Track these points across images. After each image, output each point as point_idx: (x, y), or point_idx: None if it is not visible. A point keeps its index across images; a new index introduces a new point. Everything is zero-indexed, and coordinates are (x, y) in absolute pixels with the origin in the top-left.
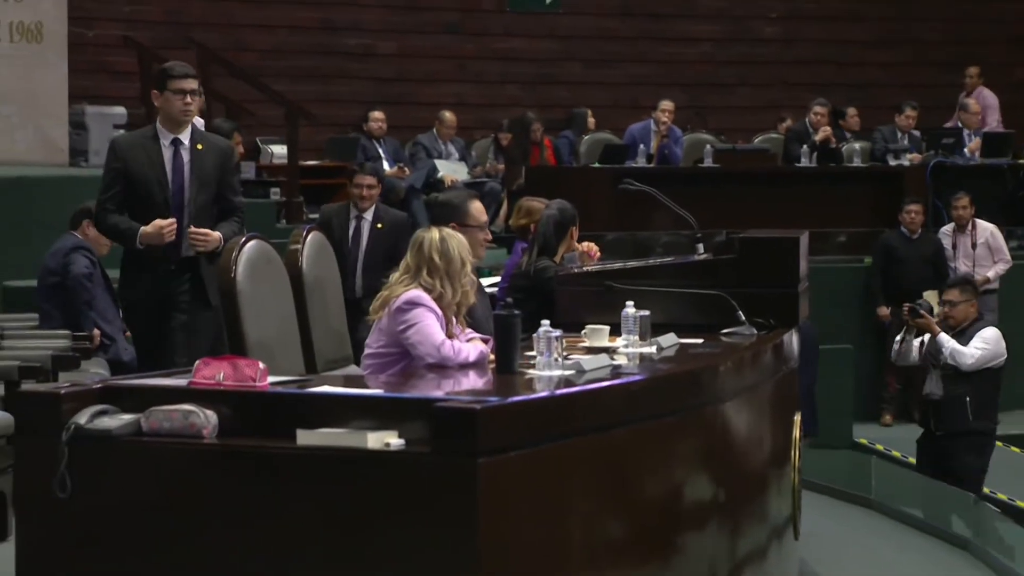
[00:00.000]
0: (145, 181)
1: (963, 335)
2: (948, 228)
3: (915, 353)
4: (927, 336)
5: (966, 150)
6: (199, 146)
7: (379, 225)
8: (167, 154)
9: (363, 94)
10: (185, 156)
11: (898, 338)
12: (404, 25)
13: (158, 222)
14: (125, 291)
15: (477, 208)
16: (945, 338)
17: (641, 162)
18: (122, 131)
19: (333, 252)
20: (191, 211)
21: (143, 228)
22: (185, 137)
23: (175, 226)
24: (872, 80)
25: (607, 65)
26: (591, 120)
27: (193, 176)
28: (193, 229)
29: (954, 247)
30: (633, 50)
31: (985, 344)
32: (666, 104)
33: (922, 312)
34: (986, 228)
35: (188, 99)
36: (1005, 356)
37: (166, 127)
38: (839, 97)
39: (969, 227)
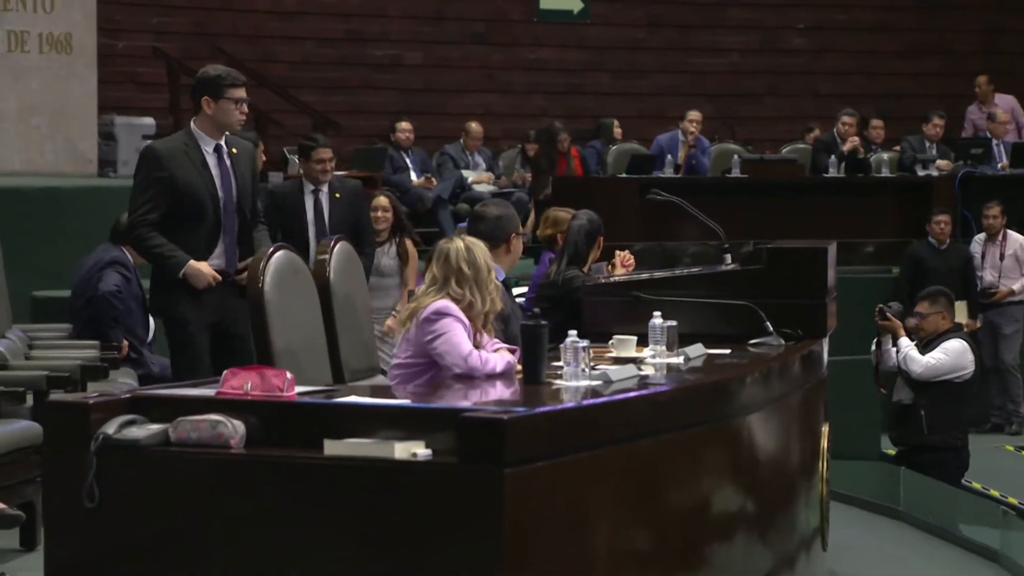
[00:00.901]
0: (195, 192)
1: (930, 346)
2: (980, 237)
3: (893, 358)
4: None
5: (999, 166)
6: (234, 150)
7: (337, 195)
8: (211, 161)
9: (390, 104)
10: (227, 162)
11: (875, 341)
12: (431, 35)
13: (212, 271)
14: (176, 309)
15: None
16: (905, 343)
17: (668, 172)
18: (150, 140)
19: (360, 263)
20: (240, 220)
21: (195, 263)
22: (222, 142)
23: (217, 283)
24: (902, 90)
25: (635, 75)
26: (617, 130)
27: (237, 183)
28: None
29: (983, 256)
30: (661, 61)
31: (943, 354)
32: (694, 115)
33: (888, 315)
34: (1016, 239)
35: (244, 107)
36: (970, 371)
37: (208, 134)
38: (868, 108)
39: (1000, 237)
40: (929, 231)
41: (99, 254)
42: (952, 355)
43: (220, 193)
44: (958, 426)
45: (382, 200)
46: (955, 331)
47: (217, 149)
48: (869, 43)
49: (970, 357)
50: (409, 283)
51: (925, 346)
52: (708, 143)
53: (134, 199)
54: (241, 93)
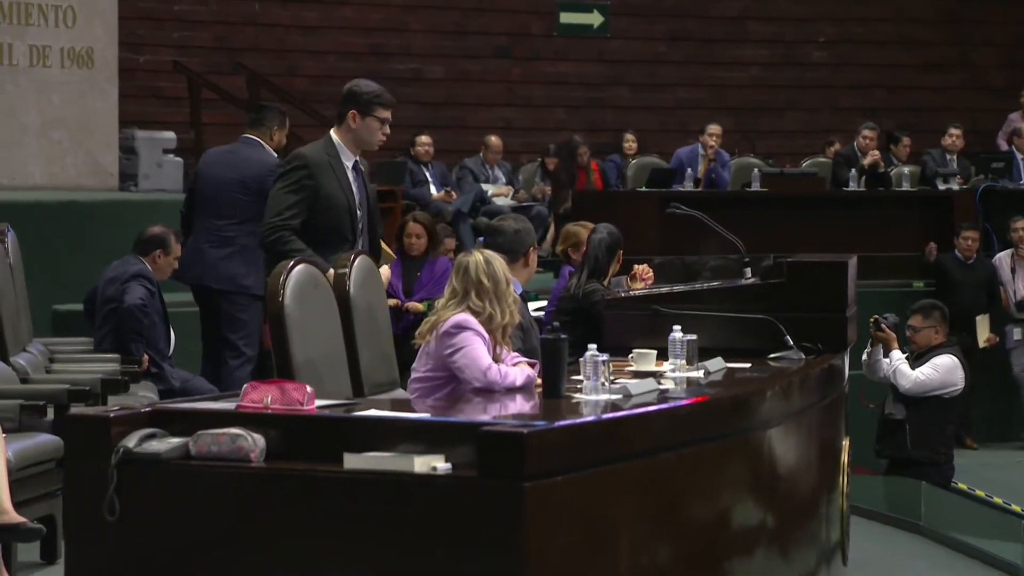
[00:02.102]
0: (336, 205)
1: (921, 360)
2: (1006, 253)
3: (885, 369)
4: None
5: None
6: (363, 167)
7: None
8: (351, 176)
9: (411, 118)
10: (361, 179)
11: (866, 351)
12: (452, 50)
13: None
14: None
15: None
16: (897, 356)
17: (688, 186)
18: (171, 156)
19: (380, 276)
20: (371, 239)
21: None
22: (358, 158)
23: None
24: (923, 104)
25: (656, 89)
26: (627, 144)
27: (369, 202)
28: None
29: (1013, 271)
30: (682, 74)
31: (933, 370)
32: (713, 128)
33: (884, 326)
34: None
35: (387, 129)
36: (959, 387)
37: (349, 148)
38: (889, 121)
39: None
40: (956, 246)
41: (122, 266)
42: (942, 371)
43: (358, 210)
44: (943, 442)
45: None
46: (947, 346)
47: (355, 165)
48: (890, 57)
49: (960, 374)
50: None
51: (916, 359)
52: (728, 157)
53: (277, 202)
54: (388, 114)
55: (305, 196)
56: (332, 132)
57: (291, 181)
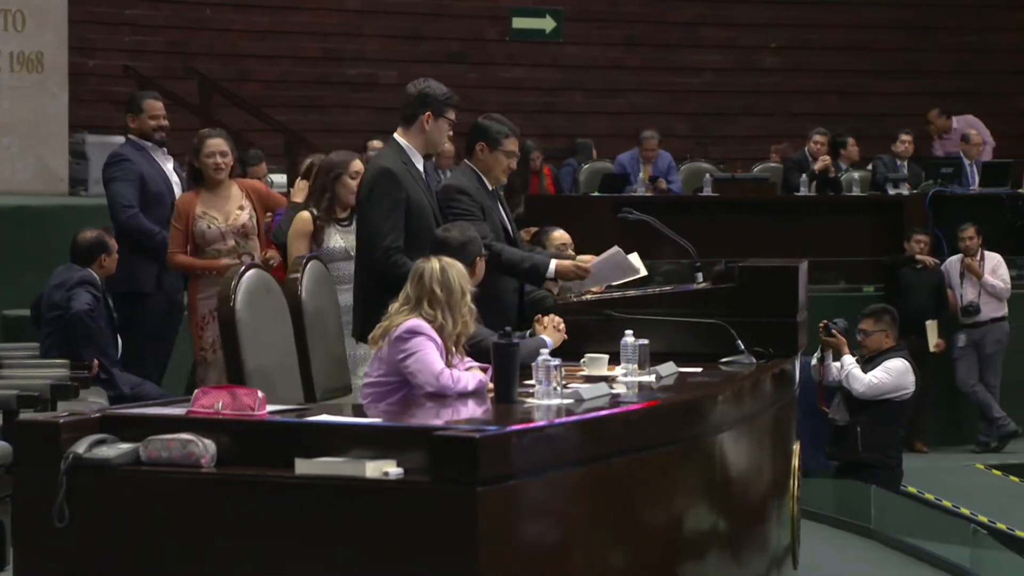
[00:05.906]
0: (424, 214)
1: (871, 363)
2: (955, 259)
3: (835, 373)
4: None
5: (972, 187)
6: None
7: None
8: (425, 178)
9: (365, 123)
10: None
11: (815, 356)
12: (407, 55)
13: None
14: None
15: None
16: (848, 360)
17: (640, 191)
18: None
19: (333, 281)
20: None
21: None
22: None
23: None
24: (876, 110)
25: (610, 94)
26: (595, 151)
27: (437, 204)
28: None
29: (962, 276)
30: (636, 79)
31: (886, 373)
32: (650, 142)
33: (833, 331)
34: (994, 258)
35: (451, 132)
36: (910, 391)
37: (418, 150)
38: (842, 127)
39: (978, 257)
40: (908, 249)
41: (67, 272)
42: (895, 374)
43: (435, 213)
44: (893, 445)
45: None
46: (897, 350)
47: (424, 167)
48: (843, 63)
49: (911, 378)
50: None
51: (867, 363)
52: (671, 159)
53: (377, 228)
54: (454, 116)
55: (399, 212)
56: (398, 136)
57: (390, 201)
